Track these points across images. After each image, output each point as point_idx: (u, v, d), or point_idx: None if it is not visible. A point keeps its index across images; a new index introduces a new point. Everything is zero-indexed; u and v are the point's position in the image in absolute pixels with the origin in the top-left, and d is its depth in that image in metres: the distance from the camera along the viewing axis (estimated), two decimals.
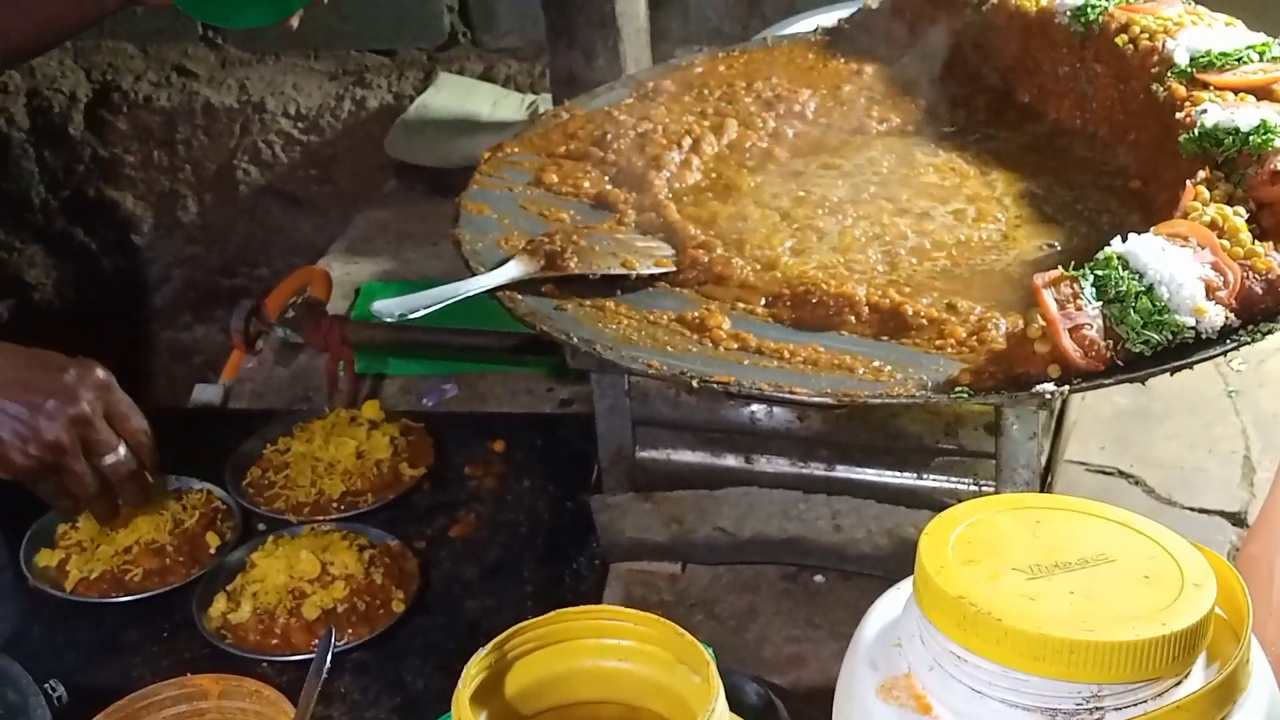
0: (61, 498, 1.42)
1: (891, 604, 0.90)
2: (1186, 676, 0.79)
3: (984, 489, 1.36)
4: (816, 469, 1.42)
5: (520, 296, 1.36)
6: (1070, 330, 1.12)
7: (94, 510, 1.43)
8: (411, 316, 1.35)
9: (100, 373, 1.39)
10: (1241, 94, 1.36)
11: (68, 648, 1.40)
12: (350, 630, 1.37)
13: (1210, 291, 1.13)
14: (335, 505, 1.54)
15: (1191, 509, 1.50)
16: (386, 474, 1.58)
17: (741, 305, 1.34)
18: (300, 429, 1.63)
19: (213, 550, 1.48)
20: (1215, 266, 1.14)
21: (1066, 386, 1.12)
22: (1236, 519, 1.48)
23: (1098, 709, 0.77)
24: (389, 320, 1.35)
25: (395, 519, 1.54)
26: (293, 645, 1.35)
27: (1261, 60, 1.40)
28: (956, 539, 0.84)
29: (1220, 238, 1.17)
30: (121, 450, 1.40)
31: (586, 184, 1.59)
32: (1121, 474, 1.56)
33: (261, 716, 1.06)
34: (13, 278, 3.04)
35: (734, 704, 0.89)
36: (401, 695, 1.33)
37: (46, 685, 1.08)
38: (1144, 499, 1.51)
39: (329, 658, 1.01)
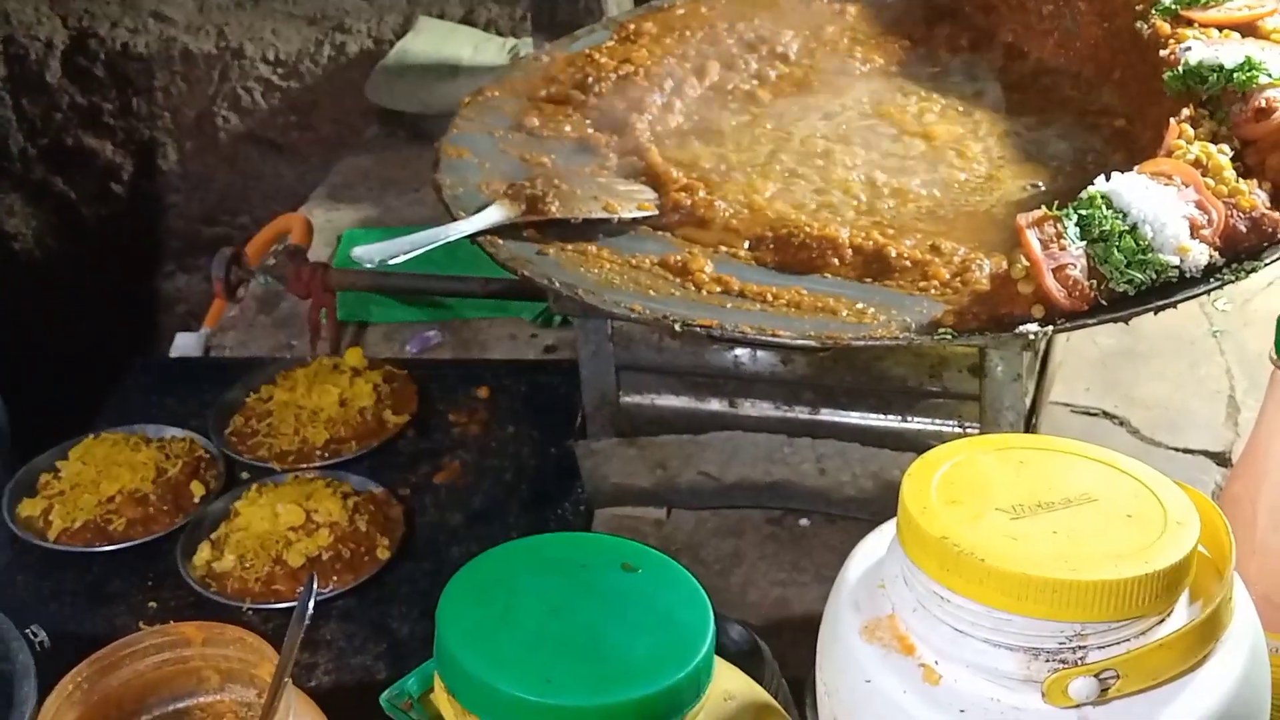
0: None
1: (875, 546, 0.90)
2: (1169, 615, 0.79)
3: (969, 431, 1.35)
4: (801, 412, 1.42)
5: (502, 241, 1.35)
6: (1054, 270, 1.11)
7: None
8: (392, 262, 1.34)
9: None
10: (1226, 30, 1.35)
11: (51, 597, 1.39)
12: (335, 578, 1.37)
13: (1194, 230, 1.13)
14: (319, 453, 1.54)
15: (1176, 449, 1.50)
16: (370, 421, 1.58)
17: (724, 248, 1.33)
18: (283, 377, 1.63)
19: (196, 499, 1.48)
20: (1199, 205, 1.13)
21: (1050, 327, 1.12)
22: (1221, 459, 1.48)
23: (1080, 648, 0.77)
24: (369, 266, 1.34)
25: (379, 466, 1.54)
26: (278, 593, 1.35)
27: None
28: (939, 480, 0.84)
29: (1204, 176, 1.16)
30: None
31: (568, 127, 1.58)
32: (1106, 415, 1.56)
33: (245, 663, 1.05)
34: None
35: (719, 648, 0.89)
36: (387, 641, 1.33)
37: (28, 630, 1.08)
38: (1129, 439, 1.51)
39: (311, 604, 1.01)
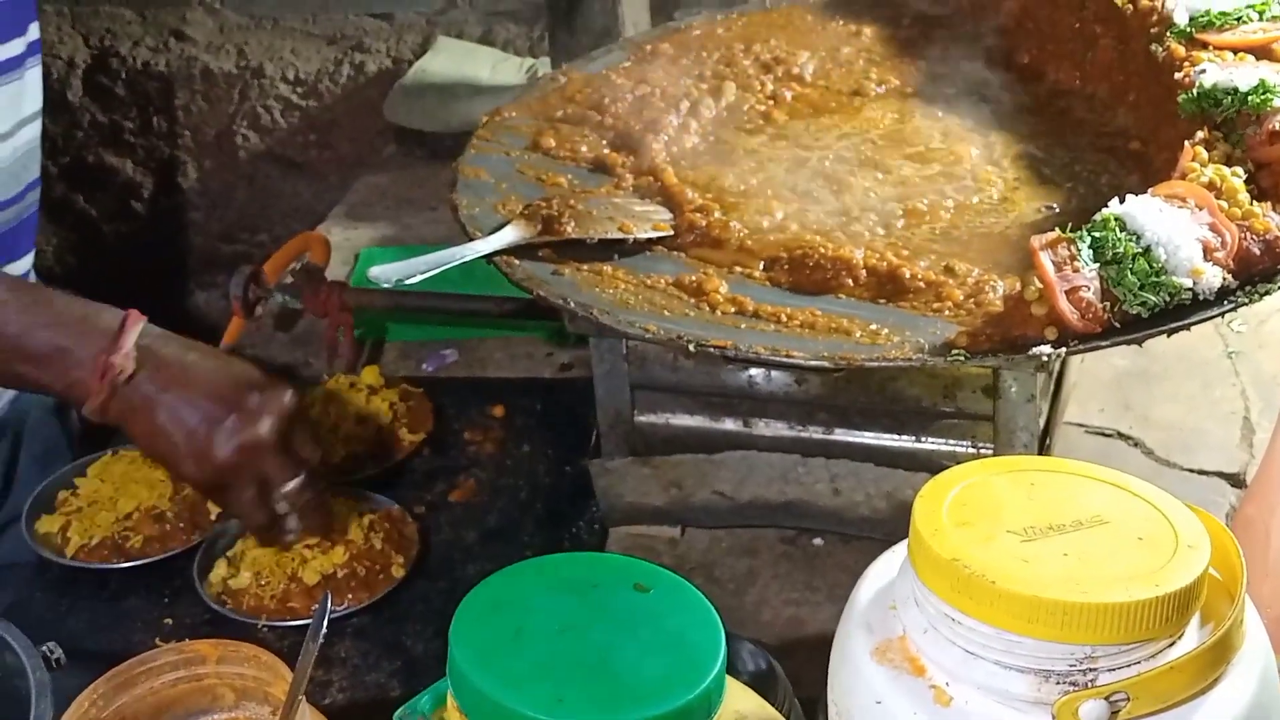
0: (233, 517, 1.39)
1: (887, 567, 0.90)
2: (1180, 637, 0.79)
3: (983, 451, 1.36)
4: (815, 432, 1.42)
5: (517, 261, 1.36)
6: (1067, 292, 1.11)
7: (262, 539, 1.38)
8: (409, 282, 1.34)
9: (288, 397, 1.32)
10: (1241, 54, 1.35)
11: (69, 614, 1.40)
12: (350, 595, 1.37)
13: (1208, 252, 1.13)
14: (336, 470, 1.54)
15: (1191, 470, 1.50)
16: (386, 439, 1.58)
17: (739, 269, 1.34)
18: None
19: (213, 516, 1.49)
20: (1213, 227, 1.13)
21: (1063, 348, 1.12)
22: (1235, 480, 1.48)
23: (1091, 670, 0.77)
24: (386, 286, 1.35)
25: (395, 484, 1.54)
26: (293, 610, 1.36)
27: (1261, 20, 1.39)
28: (951, 501, 0.84)
29: (1218, 198, 1.16)
30: (297, 480, 1.33)
31: (584, 148, 1.58)
32: (1121, 436, 1.56)
33: (260, 681, 1.06)
34: None
35: (732, 667, 0.89)
36: (401, 659, 1.33)
37: (44, 648, 1.09)
38: (1143, 461, 1.51)
39: (326, 621, 1.01)
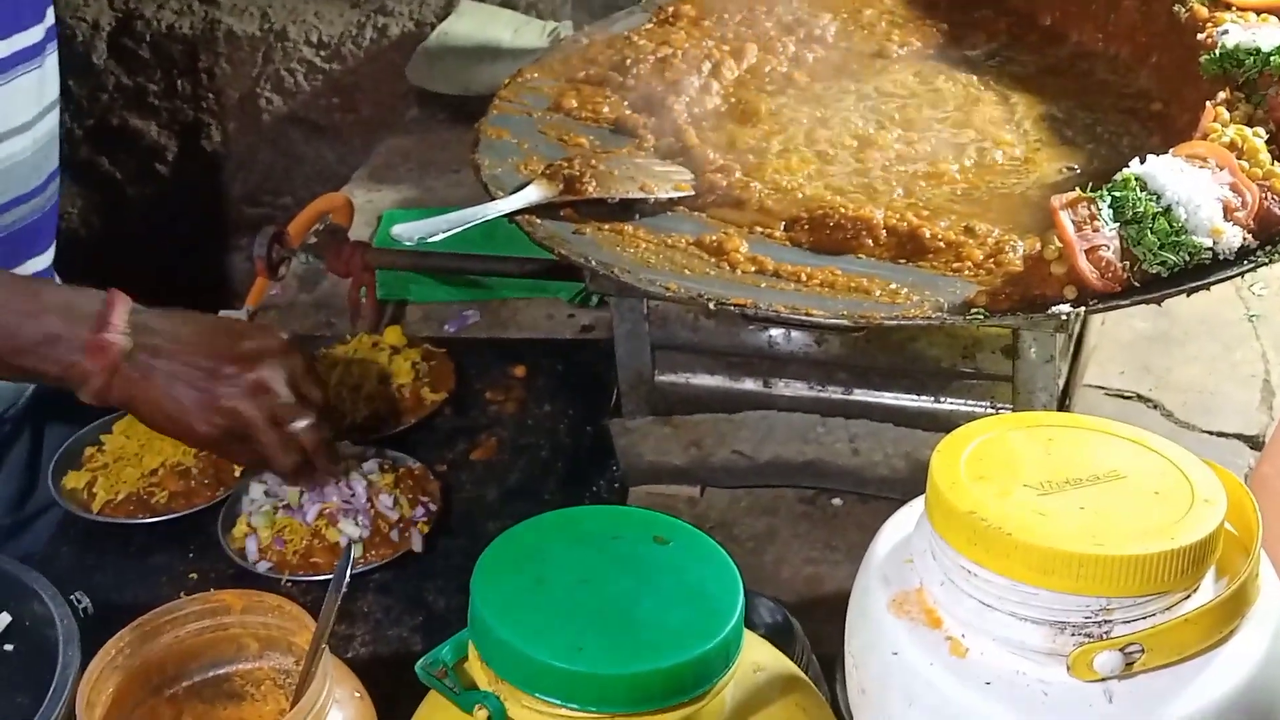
0: (263, 469, 1.41)
1: (904, 521, 0.91)
2: (1195, 591, 0.80)
3: (1001, 412, 1.36)
4: (834, 392, 1.43)
5: (539, 220, 1.37)
6: (1087, 251, 1.12)
7: (294, 480, 1.39)
8: (431, 240, 1.35)
9: (280, 338, 1.35)
10: (1263, 14, 1.35)
11: (95, 567, 1.42)
12: (372, 551, 1.38)
13: (1228, 212, 1.13)
14: (358, 428, 1.56)
15: (1210, 432, 1.50)
16: (408, 398, 1.59)
17: (760, 229, 1.34)
18: (323, 354, 1.64)
19: (237, 473, 1.50)
20: (1233, 187, 1.14)
21: (1083, 308, 1.13)
22: (1254, 442, 1.48)
23: (1106, 622, 0.78)
24: (409, 244, 1.36)
25: (417, 443, 1.55)
26: (315, 566, 1.37)
27: None
28: (968, 456, 0.85)
29: (1239, 158, 1.16)
30: (310, 418, 1.35)
31: (606, 109, 1.59)
32: (1140, 398, 1.56)
33: (284, 631, 1.07)
34: None
35: (751, 624, 0.90)
36: (423, 614, 1.35)
37: (72, 597, 1.10)
38: (1162, 423, 1.51)
39: (349, 572, 1.03)
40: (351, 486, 1.41)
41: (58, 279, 1.81)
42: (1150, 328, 1.64)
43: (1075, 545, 0.78)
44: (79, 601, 1.11)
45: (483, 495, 1.49)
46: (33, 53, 1.62)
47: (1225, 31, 1.33)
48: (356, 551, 1.36)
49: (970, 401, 1.39)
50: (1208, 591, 0.81)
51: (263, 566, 1.38)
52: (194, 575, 1.40)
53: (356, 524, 1.38)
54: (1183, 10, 1.41)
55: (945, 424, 1.38)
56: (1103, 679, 0.78)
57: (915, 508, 0.90)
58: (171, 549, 1.44)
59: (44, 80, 1.66)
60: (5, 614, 1.09)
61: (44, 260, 1.75)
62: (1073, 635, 0.78)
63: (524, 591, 0.87)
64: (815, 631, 1.16)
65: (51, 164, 1.72)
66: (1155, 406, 1.54)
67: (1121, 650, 0.77)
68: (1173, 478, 0.83)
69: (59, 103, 1.72)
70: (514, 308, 1.86)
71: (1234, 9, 1.37)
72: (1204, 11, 1.38)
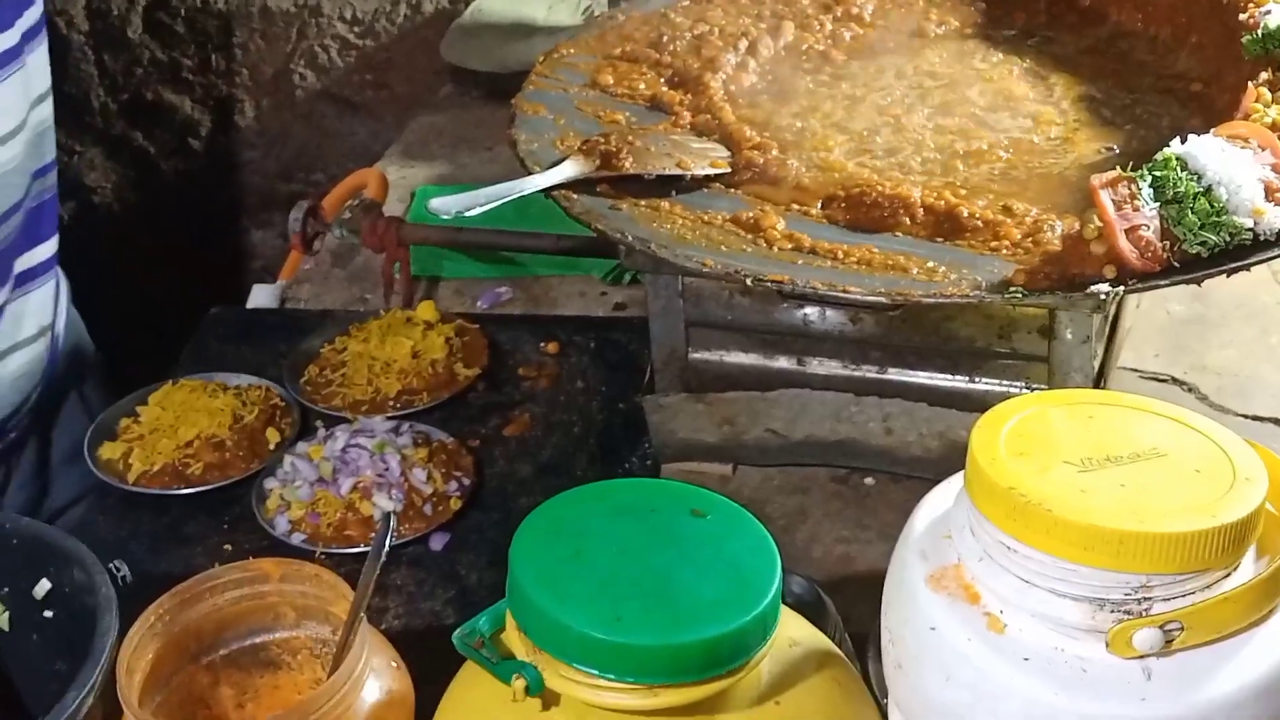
0: None
1: (942, 497, 0.91)
2: (1235, 569, 0.80)
3: (1037, 392, 1.35)
4: (869, 371, 1.43)
5: (575, 196, 1.37)
6: (1127, 231, 1.11)
7: None
8: (467, 215, 1.35)
9: None
10: None
11: (131, 538, 1.43)
12: (406, 525, 1.39)
13: (1270, 193, 1.12)
14: (391, 403, 1.56)
15: (1245, 416, 1.50)
16: (442, 374, 1.60)
17: (796, 206, 1.34)
18: (357, 329, 1.65)
19: (272, 446, 1.51)
20: (1275, 168, 1.13)
21: (1121, 287, 1.12)
22: None
23: (1146, 599, 0.78)
24: (445, 218, 1.36)
25: (450, 418, 1.56)
26: (349, 538, 1.38)
27: None
28: (1008, 432, 0.85)
29: None
30: None
31: (642, 86, 1.59)
32: (1175, 381, 1.55)
33: (321, 600, 1.08)
34: (74, 180, 3.06)
35: (784, 600, 0.90)
36: (456, 588, 1.35)
37: (111, 565, 1.11)
38: (1197, 405, 1.51)
39: (389, 541, 1.03)
40: (385, 460, 1.42)
41: (61, 275, 1.80)
42: (1185, 311, 1.64)
43: (1116, 522, 0.77)
44: (118, 570, 1.11)
45: (516, 471, 1.50)
46: (9, 56, 1.57)
47: (1268, 12, 1.32)
48: (390, 526, 1.36)
49: (1005, 382, 1.38)
50: (1248, 570, 0.81)
51: (297, 539, 1.39)
52: (229, 546, 1.41)
53: (390, 498, 1.39)
54: None
55: (980, 404, 1.37)
56: (1141, 656, 0.78)
57: (953, 484, 0.90)
58: (207, 520, 1.45)
59: (29, 76, 1.62)
60: (45, 580, 1.10)
61: (47, 250, 1.73)
62: (1112, 612, 0.78)
63: (562, 562, 0.87)
64: (847, 609, 1.16)
65: (47, 156, 1.69)
66: (1190, 390, 1.54)
67: (1161, 628, 0.77)
68: (1214, 456, 0.83)
69: (50, 93, 1.68)
70: (547, 285, 1.86)
71: None
72: None
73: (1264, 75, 1.25)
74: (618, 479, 0.98)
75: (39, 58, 1.65)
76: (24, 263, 1.69)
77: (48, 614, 1.11)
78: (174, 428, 1.50)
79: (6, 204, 1.59)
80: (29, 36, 1.61)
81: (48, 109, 1.68)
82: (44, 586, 1.11)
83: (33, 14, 1.62)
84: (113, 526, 1.45)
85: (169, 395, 1.55)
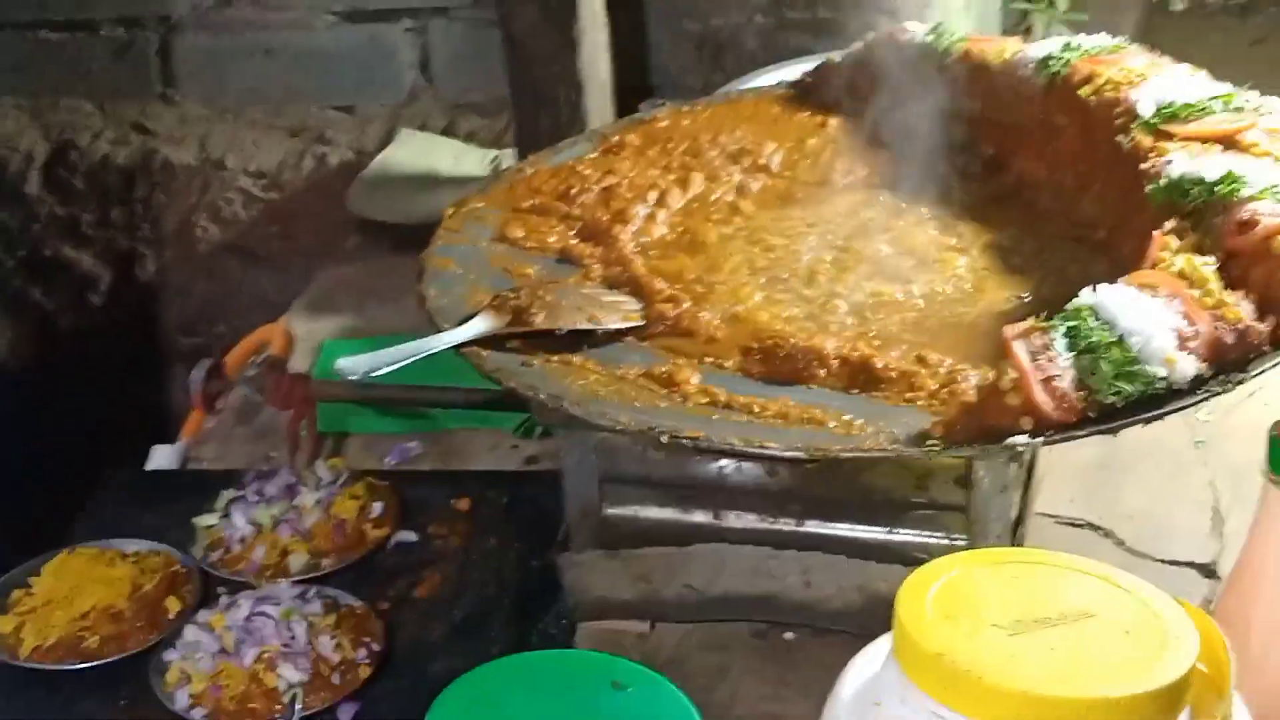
0: None
1: (869, 661, 0.88)
2: None
3: (956, 542, 1.34)
4: (786, 524, 1.41)
5: (486, 352, 1.35)
6: (1042, 382, 1.11)
7: None
8: (377, 374, 1.33)
9: None
10: (1207, 143, 1.36)
11: (24, 718, 1.36)
12: (313, 695, 1.34)
13: (1182, 341, 1.13)
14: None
15: (1162, 561, 1.49)
16: (350, 534, 1.56)
17: (710, 359, 1.33)
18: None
19: (171, 615, 1.45)
20: (1186, 316, 1.13)
21: (1040, 439, 1.11)
22: (1207, 570, 1.47)
23: None
24: (354, 378, 1.33)
25: (359, 580, 1.52)
26: (254, 712, 1.33)
27: (1226, 110, 1.40)
28: (935, 594, 0.83)
29: (1190, 288, 1.16)
30: None
31: (552, 238, 1.58)
32: (1092, 526, 1.55)
33: None
34: None
35: None
36: None
37: None
38: (1115, 551, 1.50)
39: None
40: (292, 628, 1.37)
41: None
42: (1098, 454, 1.64)
43: (1048, 688, 0.76)
44: None
45: (428, 633, 1.45)
46: None
47: (1169, 162, 1.33)
48: (298, 701, 1.31)
49: (924, 532, 1.37)
50: None
51: (198, 714, 1.33)
52: None
53: (297, 668, 1.34)
54: (1126, 140, 1.42)
55: (899, 555, 1.36)
56: None
57: (879, 647, 0.88)
58: (104, 696, 1.39)
59: None
60: None
61: None
62: None
63: None
64: None
65: None
66: (1107, 535, 1.53)
67: None
68: (1143, 615, 0.81)
69: None
70: (457, 439, 1.83)
71: (1177, 139, 1.38)
72: (1147, 141, 1.39)
73: (1170, 224, 1.26)
74: (534, 651, 0.95)
75: None
76: None
77: None
78: (69, 599, 1.45)
79: None
80: None
81: None
82: None
83: None
84: (3, 706, 1.38)
85: (64, 564, 1.50)
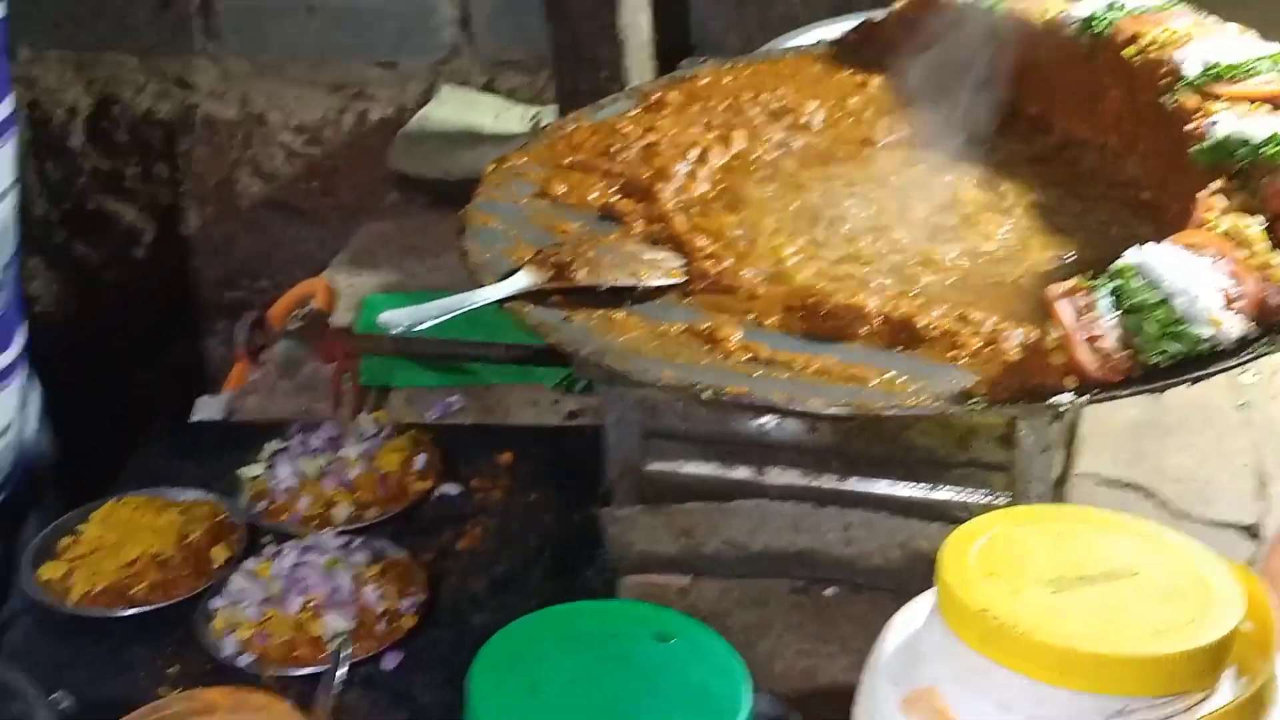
0: None
1: (912, 617, 0.89)
2: (1215, 691, 0.79)
3: (997, 501, 1.34)
4: (828, 481, 1.41)
5: (528, 308, 1.35)
6: (1087, 341, 1.11)
7: None
8: (419, 328, 1.34)
9: None
10: (1255, 103, 1.35)
11: (72, 662, 1.38)
12: (358, 644, 1.35)
13: (1228, 302, 1.12)
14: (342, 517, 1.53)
15: (1205, 522, 1.49)
16: (393, 487, 1.57)
17: (752, 316, 1.33)
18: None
19: (218, 564, 1.47)
20: (1232, 276, 1.13)
21: (1083, 398, 1.11)
22: (1251, 531, 1.47)
23: None
24: (396, 332, 1.34)
25: (402, 532, 1.53)
26: (298, 659, 1.35)
27: (1274, 70, 1.39)
28: (978, 552, 0.84)
29: (1236, 248, 1.16)
30: None
31: (593, 195, 1.58)
32: (1134, 487, 1.55)
33: None
34: None
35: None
36: (410, 709, 1.31)
37: (53, 696, 1.07)
38: (1158, 512, 1.50)
39: (343, 671, 1.00)
40: (337, 578, 1.38)
41: (33, 379, 1.76)
42: (1142, 415, 1.63)
43: (1092, 644, 0.76)
44: (59, 702, 1.07)
45: (470, 586, 1.47)
46: None
47: (1214, 123, 1.33)
48: (346, 648, 1.32)
49: (966, 490, 1.37)
50: (1228, 692, 0.79)
51: (244, 660, 1.35)
52: (173, 669, 1.37)
53: (342, 616, 1.36)
54: (1171, 101, 1.41)
55: (940, 513, 1.37)
56: None
57: (922, 603, 0.88)
58: (151, 642, 1.40)
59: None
60: None
61: (10, 355, 1.69)
62: None
63: (520, 695, 0.85)
64: None
65: (5, 254, 1.67)
66: (1150, 496, 1.53)
67: None
68: (1187, 573, 0.82)
69: (18, 186, 1.67)
70: (499, 393, 1.84)
71: (1223, 99, 1.37)
72: (1193, 102, 1.38)
73: (1216, 184, 1.25)
74: (577, 602, 0.96)
75: (8, 153, 1.64)
76: None
77: None
78: (117, 546, 1.47)
79: None
80: (3, 128, 1.60)
81: (12, 202, 1.66)
82: None
83: (7, 106, 1.60)
84: (53, 650, 1.40)
85: (112, 512, 1.52)
